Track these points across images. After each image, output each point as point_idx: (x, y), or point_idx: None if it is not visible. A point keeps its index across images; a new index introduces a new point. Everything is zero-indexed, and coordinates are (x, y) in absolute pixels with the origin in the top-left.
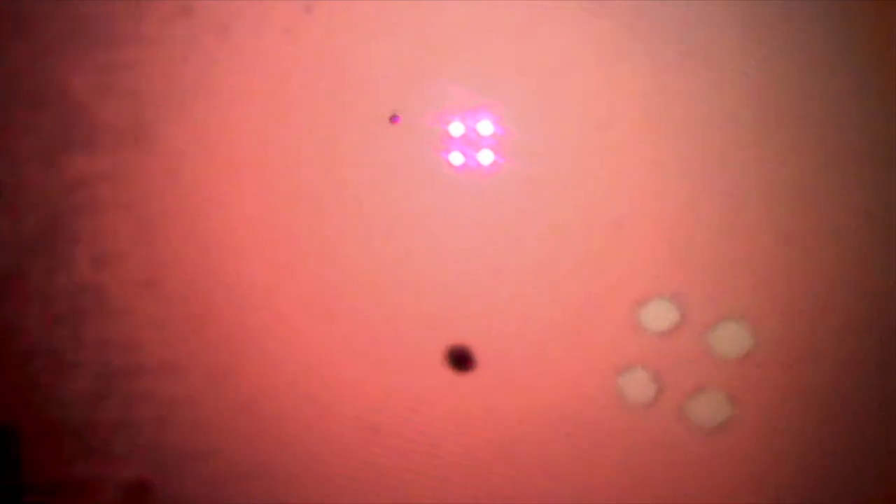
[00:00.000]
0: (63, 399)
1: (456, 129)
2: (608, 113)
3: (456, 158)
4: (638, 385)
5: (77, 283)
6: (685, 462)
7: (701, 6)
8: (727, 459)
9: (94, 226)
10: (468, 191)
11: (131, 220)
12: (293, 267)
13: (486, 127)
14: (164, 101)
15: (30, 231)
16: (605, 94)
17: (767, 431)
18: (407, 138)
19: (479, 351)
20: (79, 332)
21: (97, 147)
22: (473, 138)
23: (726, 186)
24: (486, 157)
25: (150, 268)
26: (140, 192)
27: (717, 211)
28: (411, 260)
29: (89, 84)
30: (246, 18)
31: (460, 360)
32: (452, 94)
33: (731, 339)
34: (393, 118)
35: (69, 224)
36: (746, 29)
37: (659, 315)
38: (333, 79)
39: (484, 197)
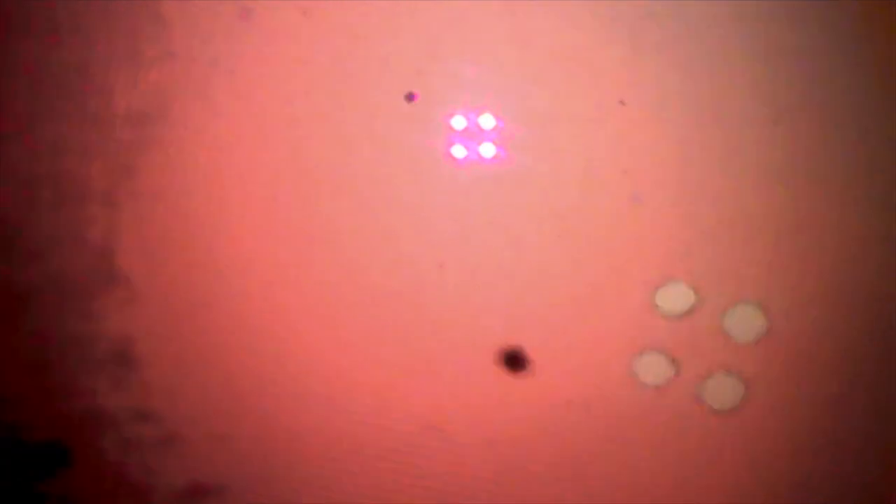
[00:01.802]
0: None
1: (458, 122)
2: (622, 96)
3: (458, 151)
4: (655, 367)
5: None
6: (700, 442)
7: None
8: (741, 440)
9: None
10: (479, 183)
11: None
12: (329, 274)
13: (487, 120)
14: (181, 85)
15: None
16: (620, 74)
17: (780, 413)
18: (421, 130)
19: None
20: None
21: (113, 133)
22: (476, 131)
23: (741, 172)
24: (488, 149)
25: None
26: (152, 183)
27: (732, 198)
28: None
29: (112, 70)
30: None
31: (514, 361)
32: (458, 88)
33: (746, 322)
34: (410, 96)
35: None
36: (762, 6)
37: (675, 299)
38: (339, 71)
39: (501, 189)
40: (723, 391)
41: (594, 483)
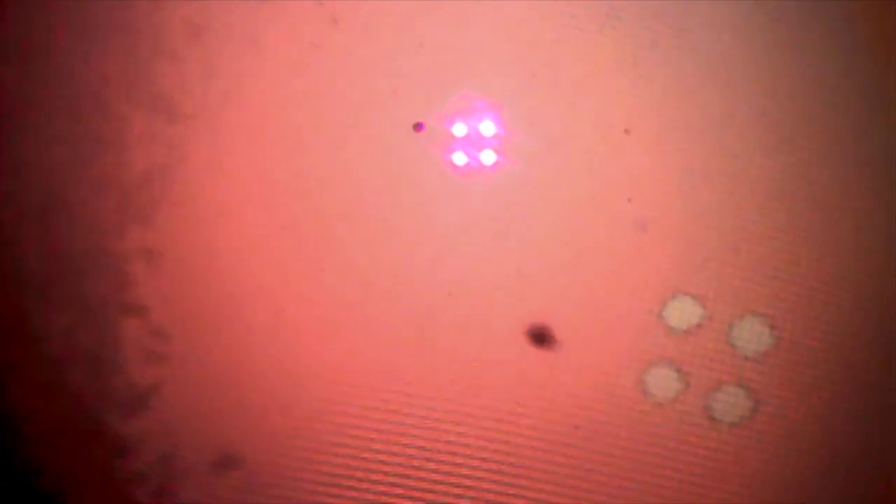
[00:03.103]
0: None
1: (459, 129)
2: (628, 116)
3: (459, 159)
4: (663, 382)
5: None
6: (709, 455)
7: (721, 8)
8: (749, 453)
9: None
10: (482, 195)
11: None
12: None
13: (488, 127)
14: (193, 112)
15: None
16: (625, 103)
17: (788, 425)
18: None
19: (508, 355)
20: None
21: (129, 155)
22: (477, 139)
23: (745, 196)
24: (488, 156)
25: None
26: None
27: (736, 220)
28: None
29: (124, 96)
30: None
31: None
32: (461, 97)
33: (753, 336)
34: (417, 126)
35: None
36: (766, 36)
37: (683, 314)
38: (347, 99)
39: (513, 199)
40: (731, 404)
41: (600, 498)
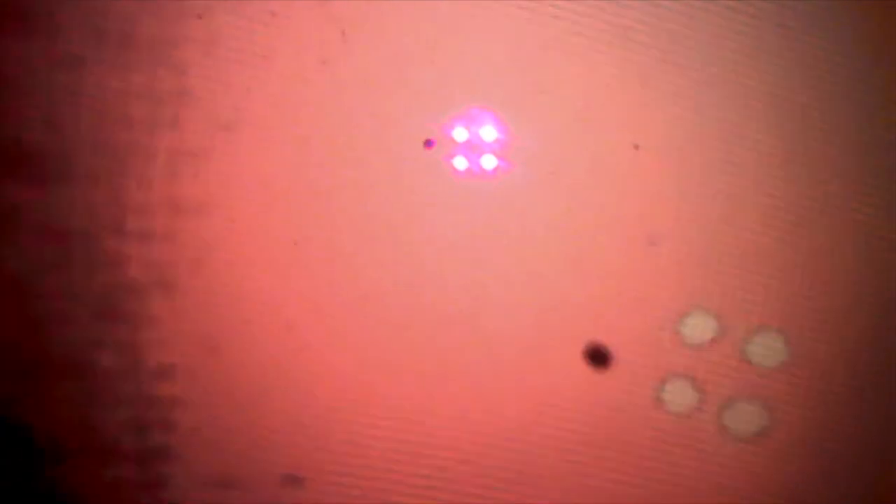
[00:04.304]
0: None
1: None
2: (637, 131)
3: (460, 163)
4: (680, 395)
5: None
6: (724, 467)
7: (728, 21)
8: (764, 465)
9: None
10: (491, 207)
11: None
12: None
13: (489, 132)
14: (203, 129)
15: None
16: (634, 119)
17: (804, 437)
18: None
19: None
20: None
21: (141, 172)
22: (480, 145)
23: (756, 210)
24: (489, 161)
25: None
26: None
27: (752, 227)
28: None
29: (134, 110)
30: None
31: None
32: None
33: (768, 349)
34: (427, 143)
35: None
36: (774, 48)
37: (698, 328)
38: (356, 115)
39: (523, 213)
40: (746, 417)
41: None
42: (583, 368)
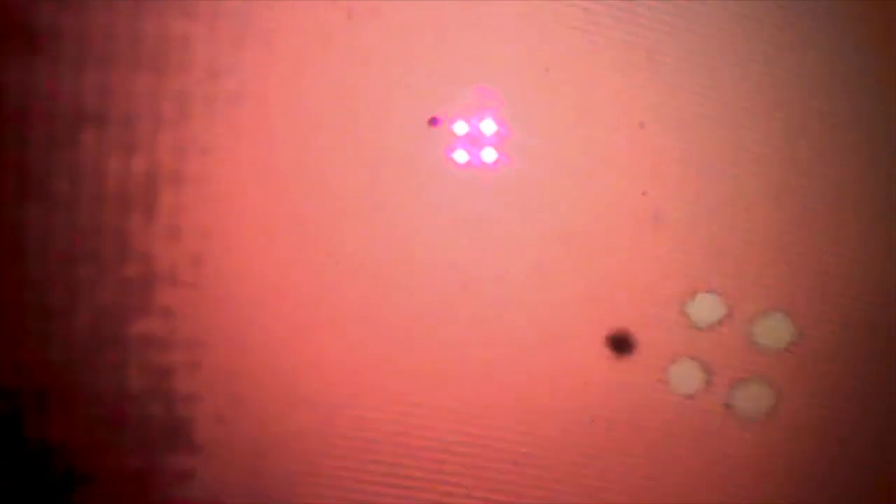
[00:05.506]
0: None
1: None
2: (643, 109)
3: (461, 156)
4: (687, 376)
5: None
6: (732, 447)
7: (734, 2)
8: (771, 445)
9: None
10: (495, 192)
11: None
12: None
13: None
14: (209, 109)
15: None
16: (640, 97)
17: (810, 418)
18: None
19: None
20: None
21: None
22: (482, 137)
23: (762, 189)
24: (489, 154)
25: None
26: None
27: (758, 208)
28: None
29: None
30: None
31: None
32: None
33: (774, 331)
34: (432, 121)
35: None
36: (779, 29)
37: (706, 310)
38: (359, 95)
39: (523, 200)
40: (753, 398)
41: (623, 489)
42: (589, 352)
